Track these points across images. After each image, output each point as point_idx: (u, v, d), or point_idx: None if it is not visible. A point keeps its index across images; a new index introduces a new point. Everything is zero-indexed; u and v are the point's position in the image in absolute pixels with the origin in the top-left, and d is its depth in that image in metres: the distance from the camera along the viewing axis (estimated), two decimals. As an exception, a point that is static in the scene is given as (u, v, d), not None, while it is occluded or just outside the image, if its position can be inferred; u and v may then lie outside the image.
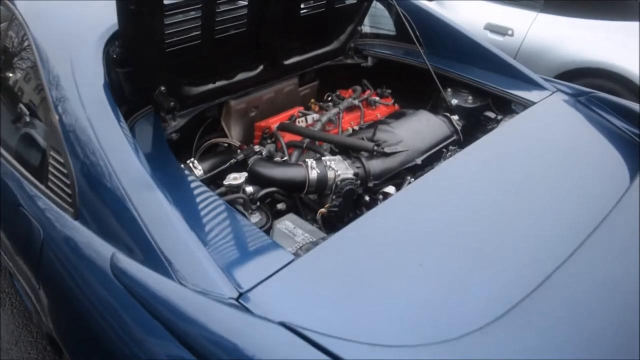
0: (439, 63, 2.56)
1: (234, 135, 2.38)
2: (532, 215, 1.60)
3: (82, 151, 1.57)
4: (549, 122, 2.12)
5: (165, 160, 1.73)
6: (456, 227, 1.51)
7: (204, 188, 1.61)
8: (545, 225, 1.57)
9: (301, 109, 2.47)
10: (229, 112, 2.33)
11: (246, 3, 2.01)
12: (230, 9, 1.96)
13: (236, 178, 1.77)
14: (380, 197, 1.98)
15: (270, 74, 2.34)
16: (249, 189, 1.80)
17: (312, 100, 2.62)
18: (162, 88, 1.91)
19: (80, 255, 1.52)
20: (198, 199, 1.57)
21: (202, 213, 1.51)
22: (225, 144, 2.32)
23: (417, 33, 2.62)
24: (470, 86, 2.45)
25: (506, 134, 2.01)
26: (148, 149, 1.79)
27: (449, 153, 2.13)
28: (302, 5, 2.26)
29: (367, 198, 1.98)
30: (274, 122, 2.33)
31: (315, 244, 1.51)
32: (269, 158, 2.10)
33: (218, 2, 1.89)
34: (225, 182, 1.75)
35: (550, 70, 4.00)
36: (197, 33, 1.91)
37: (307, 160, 1.91)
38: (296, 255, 1.38)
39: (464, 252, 1.42)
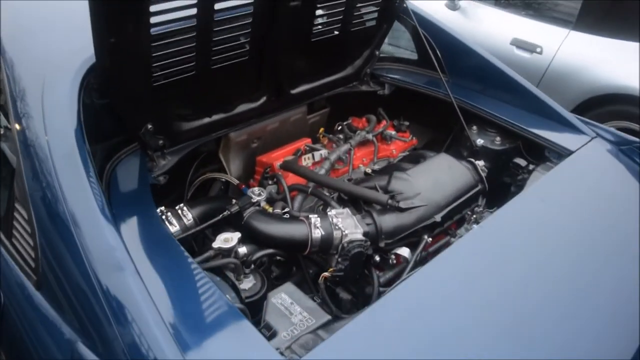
0: (463, 95, 2.32)
1: (232, 170, 2.17)
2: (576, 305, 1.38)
3: (47, 213, 1.36)
4: (589, 178, 1.88)
5: (145, 215, 1.51)
6: (485, 325, 1.28)
7: (185, 257, 1.38)
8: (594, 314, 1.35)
9: (308, 141, 2.25)
10: (227, 145, 2.12)
11: (248, 30, 1.77)
12: (229, 36, 1.72)
13: (227, 240, 1.55)
14: (393, 257, 1.77)
15: (274, 105, 2.12)
16: (243, 249, 1.58)
17: (321, 130, 2.40)
18: (149, 126, 1.70)
19: (39, 336, 1.30)
20: (176, 273, 1.34)
21: (179, 294, 1.28)
22: (222, 179, 2.10)
23: (441, 59, 2.37)
24: (499, 125, 2.20)
25: (540, 194, 1.78)
26: (127, 200, 1.57)
27: (474, 215, 1.88)
28: (313, 30, 2.01)
29: (377, 258, 1.77)
30: (277, 157, 2.11)
31: (313, 338, 1.28)
32: (270, 201, 1.88)
33: (215, 29, 1.66)
34: (215, 245, 1.53)
35: (580, 93, 3.74)
36: (190, 64, 1.68)
37: (310, 216, 1.68)
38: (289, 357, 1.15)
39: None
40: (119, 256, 1.23)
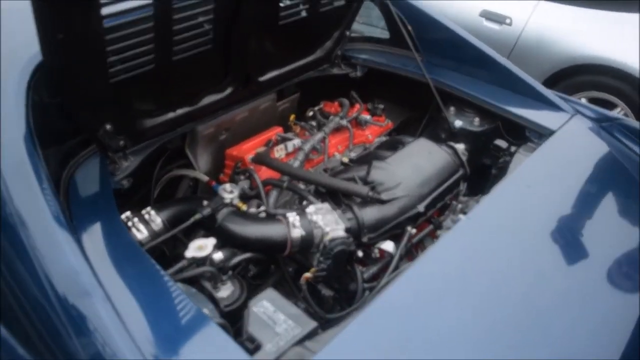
0: (439, 74, 2.26)
1: (201, 165, 2.06)
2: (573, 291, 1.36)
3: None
4: (573, 158, 1.86)
5: (110, 226, 1.41)
6: (484, 322, 1.24)
7: (157, 270, 1.29)
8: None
9: (280, 130, 2.16)
10: (194, 139, 2.01)
11: (211, 16, 1.66)
12: (191, 24, 1.61)
13: (201, 247, 1.46)
14: (376, 251, 1.72)
15: (242, 94, 2.02)
16: (218, 255, 1.50)
17: (292, 117, 2.31)
18: (108, 126, 1.58)
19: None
20: (148, 290, 1.26)
21: (153, 314, 1.20)
22: (191, 176, 2.00)
23: (414, 38, 2.29)
24: (477, 105, 2.15)
25: (525, 179, 1.74)
26: (89, 209, 1.46)
27: (459, 205, 1.83)
28: (280, 13, 1.91)
29: (360, 254, 1.71)
30: (247, 149, 2.02)
31: (302, 351, 1.21)
32: (243, 197, 1.79)
33: (175, 16, 1.54)
34: (188, 254, 1.44)
35: (551, 64, 3.73)
36: (150, 57, 1.57)
37: (288, 215, 1.60)
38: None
39: None
40: (84, 279, 1.13)
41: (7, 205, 1.24)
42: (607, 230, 1.66)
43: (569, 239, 1.60)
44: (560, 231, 1.59)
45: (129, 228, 1.53)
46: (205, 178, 1.92)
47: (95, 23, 1.33)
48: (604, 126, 2.01)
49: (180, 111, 1.82)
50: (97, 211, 1.45)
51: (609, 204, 1.76)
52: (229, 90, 1.95)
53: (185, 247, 1.54)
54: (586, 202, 1.71)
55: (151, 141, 1.78)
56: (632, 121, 2.03)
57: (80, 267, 1.16)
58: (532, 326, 1.31)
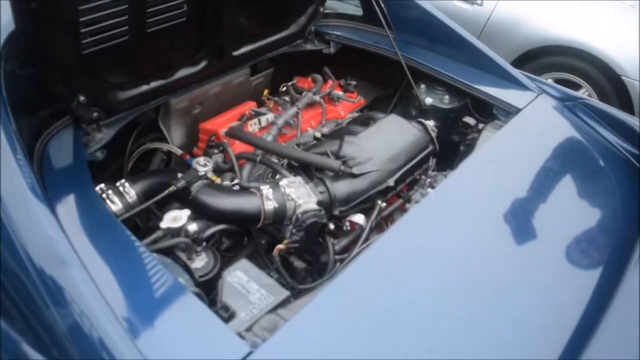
0: (410, 52, 2.28)
1: (174, 138, 2.06)
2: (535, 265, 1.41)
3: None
4: (537, 135, 1.91)
5: (84, 197, 1.41)
6: (445, 300, 1.29)
7: (132, 241, 1.31)
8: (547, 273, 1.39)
9: (253, 104, 2.16)
10: (168, 112, 2.00)
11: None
12: (165, -5, 1.60)
13: (176, 219, 1.48)
14: (347, 224, 1.75)
15: (216, 68, 2.02)
16: (193, 226, 1.52)
17: (266, 92, 2.31)
18: (82, 97, 1.57)
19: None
20: (124, 259, 1.27)
21: (129, 283, 1.21)
22: (164, 150, 2.00)
23: (387, 15, 2.31)
24: (447, 83, 2.19)
25: (492, 155, 1.79)
26: (63, 180, 1.46)
27: (428, 179, 1.88)
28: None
29: (331, 226, 1.74)
30: (221, 124, 2.02)
31: (274, 318, 1.24)
32: (217, 171, 1.81)
33: None
34: (163, 225, 1.46)
35: (519, 45, 3.79)
36: (124, 28, 1.56)
37: (262, 188, 1.63)
38: (251, 344, 1.12)
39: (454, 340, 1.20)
40: (60, 249, 1.14)
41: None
42: (567, 206, 1.72)
43: (530, 213, 1.66)
44: (523, 206, 1.65)
45: (103, 200, 1.53)
46: (179, 151, 1.92)
47: None
48: (568, 105, 2.07)
49: (154, 84, 1.81)
50: (72, 182, 1.45)
51: (570, 181, 1.82)
52: (202, 64, 1.94)
53: (159, 219, 1.55)
54: (549, 179, 1.77)
55: (125, 114, 1.77)
56: (594, 101, 2.09)
57: (56, 236, 1.16)
58: (494, 298, 1.36)
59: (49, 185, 1.39)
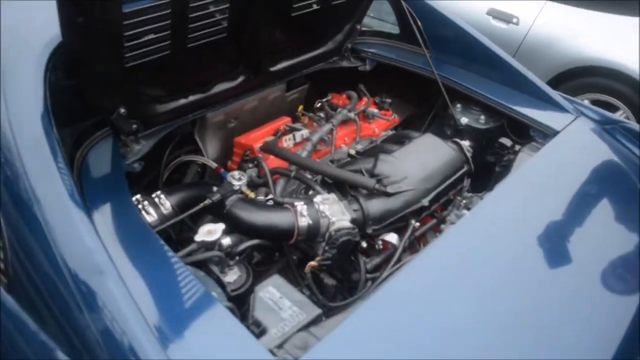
0: (447, 71, 2.27)
1: (209, 151, 2.07)
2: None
3: (15, 208, 1.26)
4: (576, 159, 1.87)
5: (121, 207, 1.43)
6: (483, 318, 1.26)
7: (166, 252, 1.31)
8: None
9: (288, 120, 2.17)
10: (204, 126, 2.02)
11: (227, 5, 1.67)
12: (206, 12, 1.62)
13: (211, 232, 1.48)
14: (380, 243, 1.74)
15: (253, 83, 2.03)
16: (226, 240, 1.52)
17: (301, 108, 2.32)
18: (122, 110, 1.60)
19: (13, 343, 1.23)
20: (159, 271, 1.28)
21: (163, 294, 1.22)
22: (199, 162, 2.02)
23: (424, 34, 2.30)
24: (483, 103, 2.17)
25: (529, 178, 1.76)
26: (101, 190, 1.48)
27: (464, 200, 1.85)
28: (293, 4, 1.92)
29: (364, 245, 1.73)
30: (256, 138, 2.03)
31: (307, 336, 1.23)
32: (251, 185, 1.81)
33: (191, 4, 1.55)
34: (198, 238, 1.46)
35: (556, 65, 3.73)
36: (165, 43, 1.58)
37: (296, 204, 1.62)
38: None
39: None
40: (98, 259, 1.15)
41: (22, 180, 1.25)
42: (606, 232, 1.67)
43: (568, 239, 1.62)
44: (560, 231, 1.60)
45: (139, 210, 1.55)
46: (214, 164, 1.94)
47: (115, 8, 1.34)
48: (607, 128, 2.02)
49: (191, 98, 1.83)
50: (109, 192, 1.47)
51: (608, 206, 1.77)
52: (240, 79, 1.96)
53: (192, 231, 1.56)
54: (587, 204, 1.73)
55: (163, 126, 1.79)
56: (633, 124, 2.04)
57: (94, 246, 1.17)
58: (529, 322, 1.33)
59: (88, 194, 1.40)
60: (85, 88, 1.52)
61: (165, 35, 1.56)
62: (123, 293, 1.12)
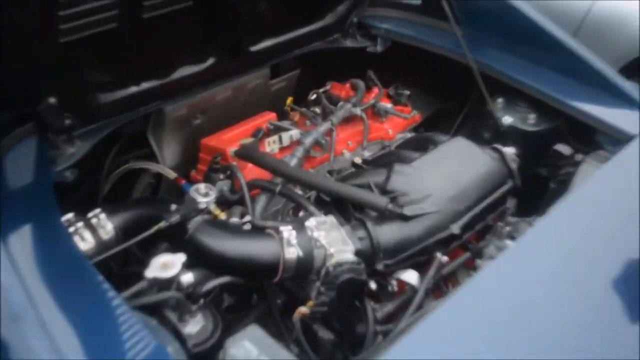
0: (485, 55, 2.29)
1: (167, 157, 2.10)
2: None
3: None
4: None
5: (47, 231, 1.44)
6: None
7: (107, 292, 1.31)
8: None
9: (273, 117, 2.19)
10: (160, 123, 2.05)
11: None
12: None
13: (167, 265, 1.48)
14: (394, 283, 1.74)
15: (226, 67, 2.07)
16: (188, 277, 1.52)
17: (290, 101, 2.34)
18: (52, 99, 1.61)
19: None
20: (96, 317, 1.28)
21: (100, 350, 1.21)
22: (153, 172, 2.05)
23: (454, 6, 2.32)
24: (533, 98, 2.18)
25: (595, 198, 1.76)
26: (21, 207, 1.49)
27: (507, 227, 1.86)
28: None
29: (373, 285, 1.72)
30: (230, 140, 2.05)
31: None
32: (222, 202, 1.81)
33: None
34: (149, 274, 1.46)
35: (624, 52, 3.76)
36: (112, 13, 1.60)
37: (281, 229, 1.63)
38: None
39: None
40: (13, 300, 1.15)
41: None
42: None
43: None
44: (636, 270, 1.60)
45: (71, 235, 1.54)
46: (173, 174, 1.94)
47: None
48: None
49: (145, 85, 1.85)
50: (32, 210, 1.47)
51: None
52: (210, 62, 1.98)
53: (141, 264, 1.55)
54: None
55: (105, 122, 1.80)
56: None
57: (8, 283, 1.17)
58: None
59: (3, 212, 1.40)
60: (6, 69, 1.52)
61: (112, 3, 1.57)
62: (45, 347, 1.11)
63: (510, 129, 2.19)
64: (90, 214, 1.63)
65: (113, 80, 1.76)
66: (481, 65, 2.24)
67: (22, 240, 1.33)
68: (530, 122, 2.20)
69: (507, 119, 2.21)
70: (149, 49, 1.79)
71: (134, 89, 1.81)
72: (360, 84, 2.35)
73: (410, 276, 1.73)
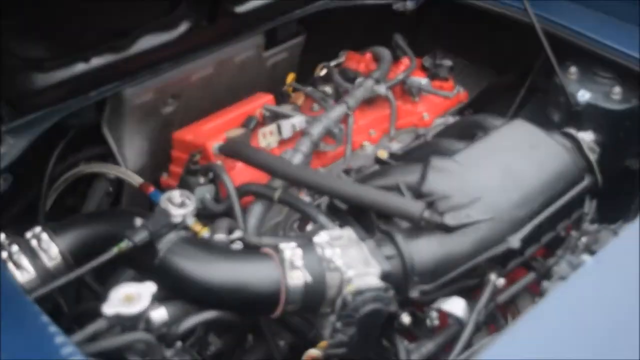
0: (551, 11, 2.32)
1: (129, 157, 2.13)
2: None
3: None
4: None
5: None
6: None
7: (53, 336, 1.33)
8: None
9: (269, 99, 2.22)
10: (119, 111, 2.07)
11: None
12: None
13: (131, 298, 1.49)
14: (434, 315, 1.76)
15: (206, 35, 2.11)
16: (160, 313, 1.54)
17: (291, 78, 2.39)
18: None
19: None
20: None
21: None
22: (110, 177, 2.09)
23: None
24: (618, 64, 2.20)
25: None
26: None
27: (583, 237, 1.87)
28: None
29: (406, 319, 1.74)
30: (211, 133, 2.09)
31: None
32: (203, 215, 1.85)
33: None
34: (109, 310, 1.47)
35: None
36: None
37: (282, 247, 1.64)
38: None
39: None
40: None
41: None
42: None
43: None
44: None
45: (3, 262, 1.57)
46: (138, 179, 1.98)
47: None
48: None
49: (96, 61, 1.89)
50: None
51: None
52: (182, 28, 2.02)
53: (97, 297, 1.58)
54: None
55: (45, 112, 1.83)
56: None
57: None
58: None
59: None
60: None
61: None
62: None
63: (588, 108, 2.22)
64: (28, 234, 1.65)
65: (52, 55, 1.79)
66: (547, 24, 2.27)
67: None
68: (614, 97, 2.22)
69: (584, 95, 2.22)
70: (101, 14, 1.82)
71: (80, 66, 1.84)
72: (385, 53, 2.38)
73: (456, 305, 1.74)
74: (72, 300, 1.81)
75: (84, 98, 1.90)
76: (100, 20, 1.85)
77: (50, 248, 1.64)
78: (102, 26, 1.87)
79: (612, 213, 2.02)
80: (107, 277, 1.76)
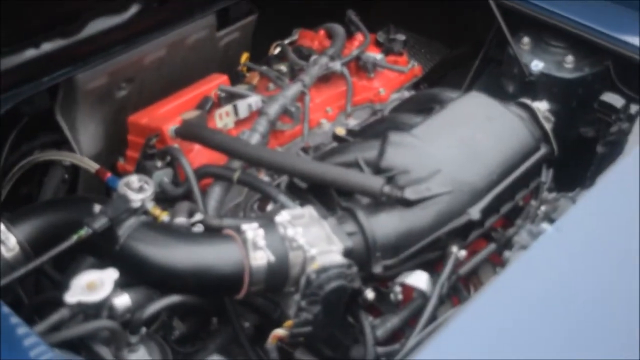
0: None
1: (84, 143, 2.12)
2: None
3: None
4: None
5: None
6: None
7: (16, 327, 1.33)
8: None
9: (224, 80, 2.21)
10: (71, 97, 2.06)
11: None
12: None
13: (93, 286, 1.48)
14: (398, 290, 1.77)
15: (157, 16, 2.11)
16: (123, 300, 1.53)
17: (245, 57, 2.38)
18: None
19: None
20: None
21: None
22: (66, 163, 2.07)
23: None
24: (570, 33, 2.22)
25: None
26: None
27: (542, 206, 1.89)
28: None
29: (370, 295, 1.74)
30: (166, 116, 2.08)
31: None
32: (162, 199, 1.85)
33: None
34: (70, 299, 1.46)
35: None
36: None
37: (244, 228, 1.64)
38: None
39: None
40: None
41: None
42: None
43: None
44: None
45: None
46: (94, 166, 1.96)
47: None
48: None
49: (46, 46, 1.87)
50: None
51: None
52: (133, 9, 2.01)
53: (58, 287, 1.56)
54: None
55: None
56: None
57: None
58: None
59: None
60: None
61: None
62: None
63: (542, 78, 2.24)
64: (-12, 224, 1.64)
65: (1, 41, 1.76)
66: (499, -7, 2.27)
67: None
68: (567, 66, 2.24)
69: (537, 65, 2.24)
70: None
71: (30, 52, 1.83)
72: (339, 29, 2.39)
73: (419, 279, 1.75)
74: (32, 291, 1.77)
75: (36, 84, 1.89)
76: (49, 5, 1.82)
77: (8, 239, 1.63)
78: (52, 10, 1.85)
79: (569, 181, 2.03)
80: (67, 265, 1.74)
